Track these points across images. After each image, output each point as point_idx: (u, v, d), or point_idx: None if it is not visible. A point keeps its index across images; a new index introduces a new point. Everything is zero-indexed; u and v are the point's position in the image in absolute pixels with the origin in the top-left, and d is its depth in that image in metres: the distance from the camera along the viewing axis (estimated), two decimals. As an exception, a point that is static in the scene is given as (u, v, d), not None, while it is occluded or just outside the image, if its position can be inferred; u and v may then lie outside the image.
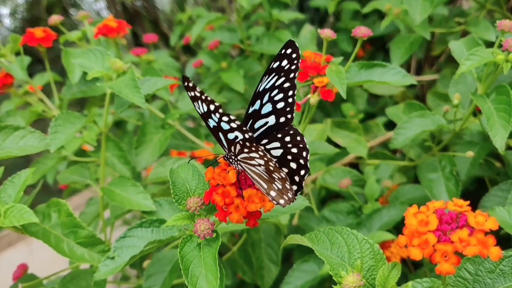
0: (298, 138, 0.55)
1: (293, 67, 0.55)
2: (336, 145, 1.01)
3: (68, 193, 1.41)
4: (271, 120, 0.57)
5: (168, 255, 0.79)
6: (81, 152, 1.09)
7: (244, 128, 0.52)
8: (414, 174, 0.99)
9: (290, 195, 0.51)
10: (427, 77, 1.40)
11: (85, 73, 0.83)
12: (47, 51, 1.02)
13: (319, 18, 1.96)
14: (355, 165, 1.18)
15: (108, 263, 0.65)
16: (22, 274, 0.92)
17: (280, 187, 0.51)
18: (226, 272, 0.97)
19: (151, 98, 1.20)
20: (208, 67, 1.42)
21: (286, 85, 0.55)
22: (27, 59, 1.07)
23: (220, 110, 0.50)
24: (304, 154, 0.54)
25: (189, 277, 0.55)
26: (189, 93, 0.51)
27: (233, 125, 0.51)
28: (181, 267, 0.56)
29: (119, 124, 1.42)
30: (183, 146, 1.15)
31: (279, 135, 0.56)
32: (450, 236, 0.39)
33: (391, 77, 0.80)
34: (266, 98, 0.56)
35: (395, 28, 1.35)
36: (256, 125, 0.57)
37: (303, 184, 0.54)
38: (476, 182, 1.12)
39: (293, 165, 0.54)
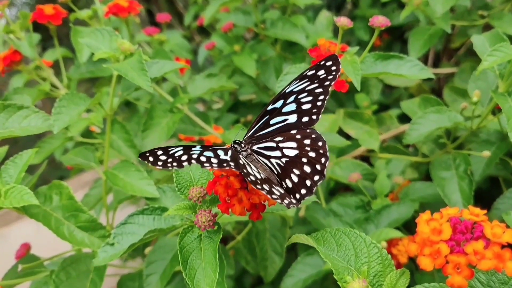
0: (320, 143, 0.54)
1: (330, 77, 0.56)
2: (347, 136, 0.98)
3: (77, 170, 1.41)
4: (292, 118, 0.57)
5: (170, 242, 0.78)
6: (88, 134, 1.07)
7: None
8: (426, 170, 0.96)
9: (293, 199, 0.52)
10: (444, 70, 1.36)
11: (93, 53, 0.81)
12: (60, 27, 1.00)
13: (336, 4, 1.91)
14: (366, 158, 1.15)
15: (107, 249, 0.64)
16: (25, 253, 0.92)
17: (282, 191, 0.51)
18: (229, 262, 0.96)
19: (161, 80, 1.18)
20: (220, 50, 1.39)
21: (319, 90, 0.56)
22: (36, 37, 1.05)
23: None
24: (323, 160, 0.54)
25: (187, 269, 0.54)
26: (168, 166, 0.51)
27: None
28: (179, 259, 0.54)
29: (129, 104, 1.41)
30: (191, 131, 1.13)
31: (298, 136, 0.56)
32: (464, 247, 0.37)
33: (407, 70, 0.78)
34: (291, 98, 0.57)
35: (414, 18, 1.31)
36: (272, 121, 0.58)
37: (313, 190, 0.54)
38: (489, 180, 1.09)
39: (307, 169, 0.54)
